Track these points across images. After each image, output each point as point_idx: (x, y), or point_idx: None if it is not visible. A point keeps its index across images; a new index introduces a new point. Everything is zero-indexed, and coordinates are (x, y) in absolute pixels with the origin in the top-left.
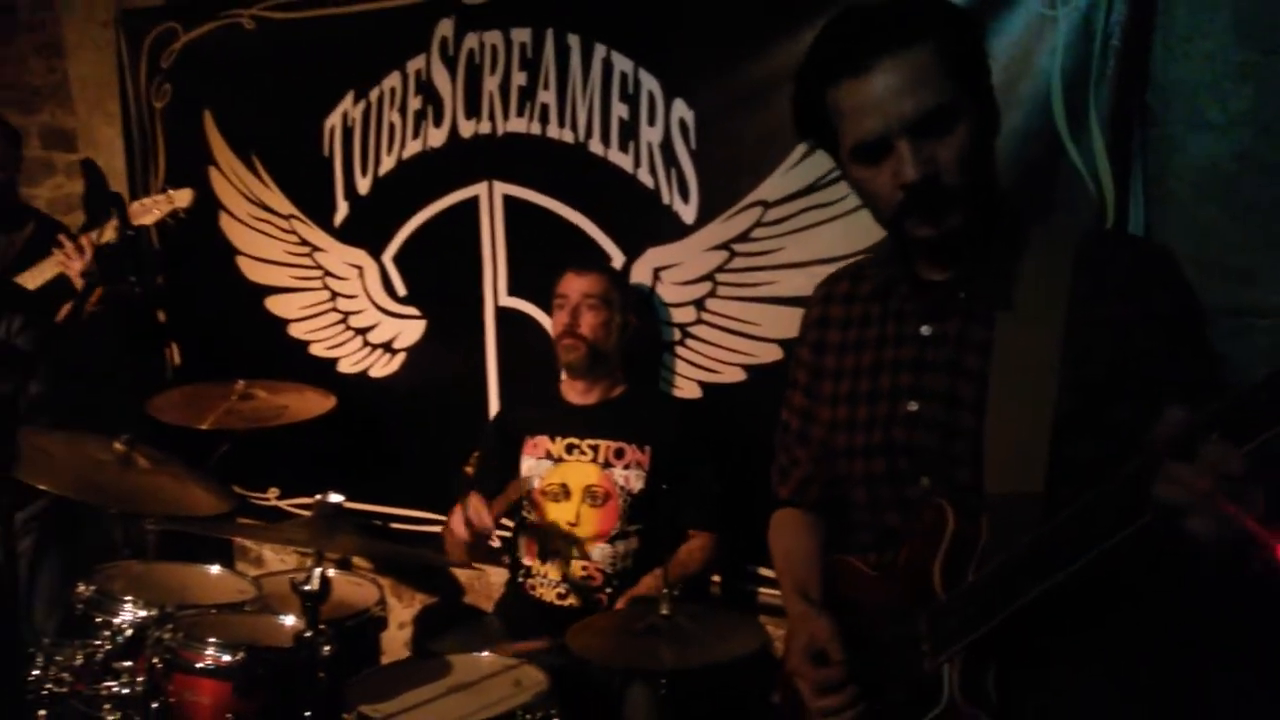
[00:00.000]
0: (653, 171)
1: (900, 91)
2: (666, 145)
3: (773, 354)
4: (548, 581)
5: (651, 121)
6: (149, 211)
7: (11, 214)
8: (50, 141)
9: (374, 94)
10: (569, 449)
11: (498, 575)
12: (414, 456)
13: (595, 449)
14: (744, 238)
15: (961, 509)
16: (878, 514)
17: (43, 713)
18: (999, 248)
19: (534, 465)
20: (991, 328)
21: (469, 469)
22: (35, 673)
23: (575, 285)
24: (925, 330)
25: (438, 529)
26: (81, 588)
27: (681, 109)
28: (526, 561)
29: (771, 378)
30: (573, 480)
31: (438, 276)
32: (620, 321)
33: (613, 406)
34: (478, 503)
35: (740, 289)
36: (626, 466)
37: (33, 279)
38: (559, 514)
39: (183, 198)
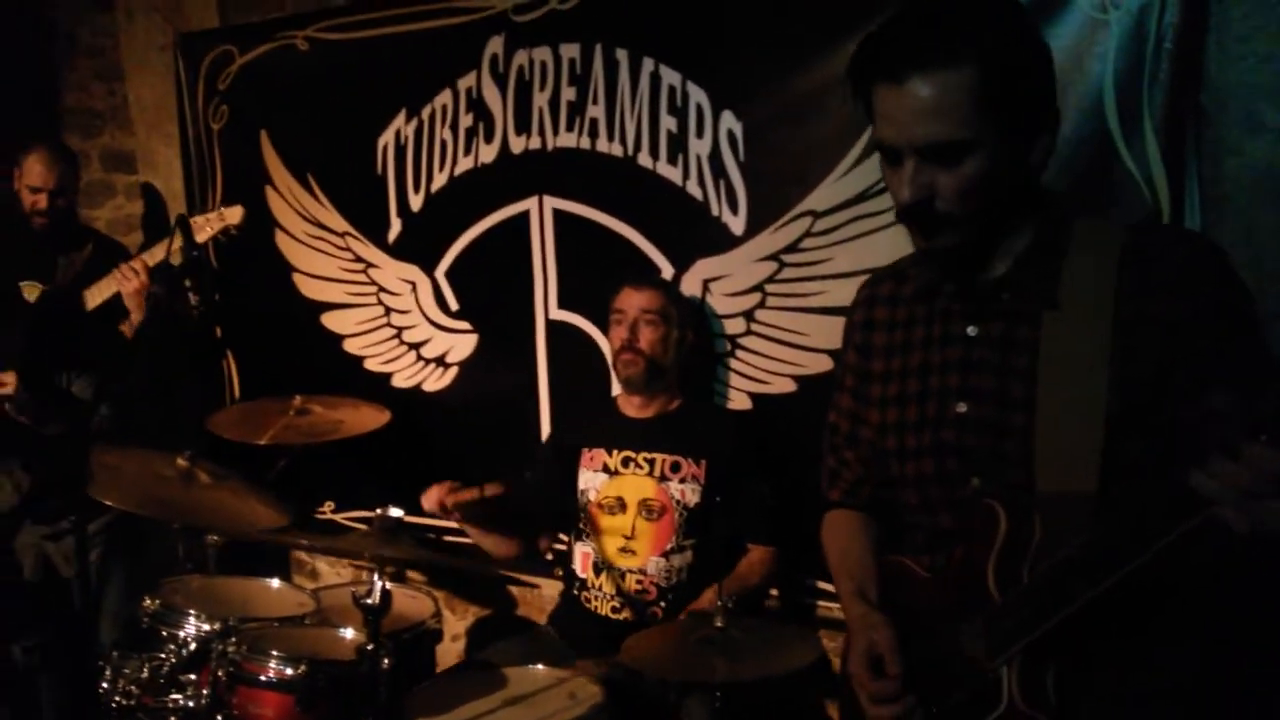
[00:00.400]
0: (701, 183)
1: (920, 114)
2: (715, 157)
3: (823, 364)
4: (602, 595)
5: (700, 134)
6: (202, 229)
7: (72, 235)
8: (110, 164)
9: (426, 112)
10: (625, 462)
11: (551, 588)
12: (467, 469)
13: (651, 462)
14: (793, 248)
15: (1013, 509)
16: (929, 515)
17: None
18: (1043, 247)
19: (590, 478)
20: (1038, 327)
21: (527, 475)
22: (104, 685)
23: (633, 300)
24: (971, 331)
25: None
26: (147, 601)
27: (730, 120)
28: (581, 574)
29: (822, 388)
30: (629, 494)
31: (489, 291)
32: (678, 336)
33: (669, 420)
34: (437, 490)
35: (790, 299)
36: (683, 480)
37: (91, 298)
38: (614, 527)
39: (234, 215)
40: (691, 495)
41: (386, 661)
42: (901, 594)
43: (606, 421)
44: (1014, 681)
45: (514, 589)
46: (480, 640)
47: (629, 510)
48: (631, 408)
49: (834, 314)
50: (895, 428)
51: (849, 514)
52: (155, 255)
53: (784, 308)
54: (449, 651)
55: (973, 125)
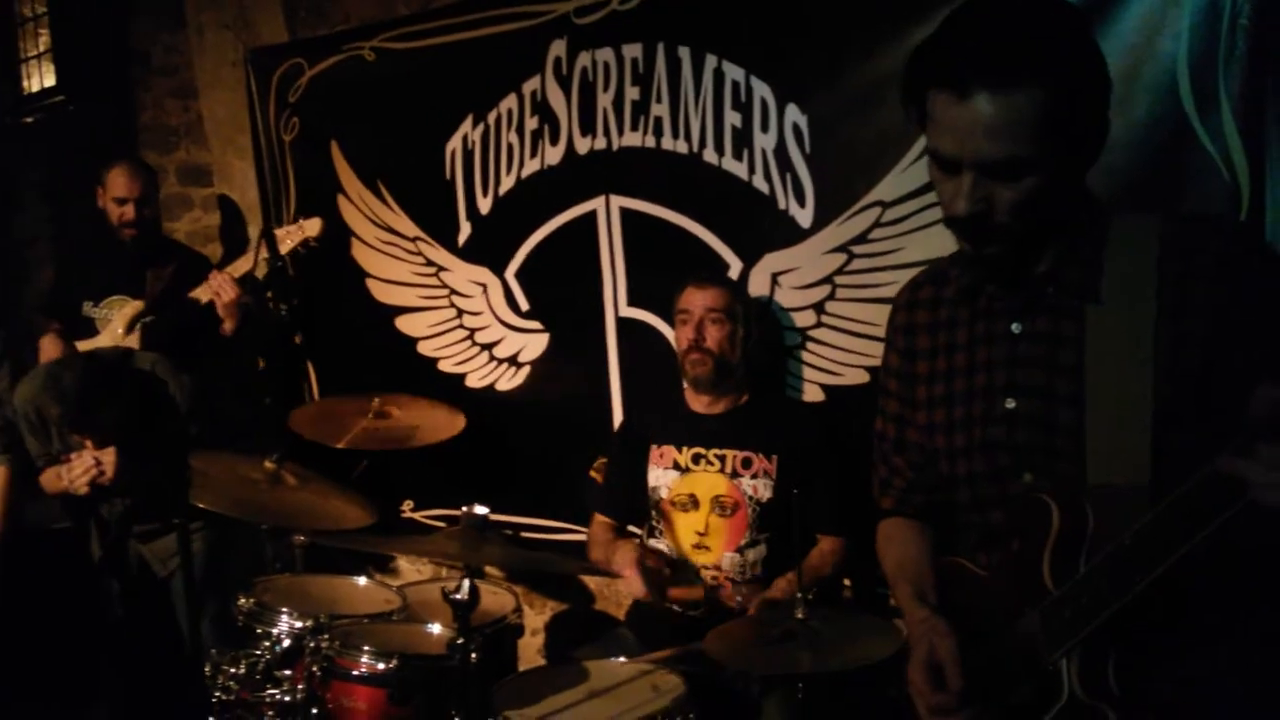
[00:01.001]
0: (768, 177)
1: (984, 130)
2: (781, 151)
3: None
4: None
5: (765, 128)
6: (283, 241)
7: (159, 248)
8: (187, 178)
9: (492, 116)
10: (696, 459)
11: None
12: (541, 466)
13: (722, 459)
14: (862, 239)
15: (1066, 503)
16: (982, 513)
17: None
18: (1085, 242)
19: (661, 475)
20: (1082, 321)
21: (595, 474)
22: (205, 681)
23: (697, 300)
24: (1016, 328)
25: (565, 537)
26: (242, 600)
27: (794, 114)
28: None
29: None
30: (701, 490)
31: (559, 290)
32: (744, 333)
33: (739, 416)
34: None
35: (860, 290)
36: (754, 476)
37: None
38: (687, 524)
39: (313, 227)
40: (764, 490)
41: (474, 655)
42: (959, 594)
43: (676, 418)
44: (1074, 673)
45: (591, 583)
46: (558, 635)
47: (702, 507)
48: (700, 404)
49: None
50: (944, 427)
51: (904, 522)
52: (240, 267)
53: (854, 299)
54: (528, 646)
55: (1035, 144)
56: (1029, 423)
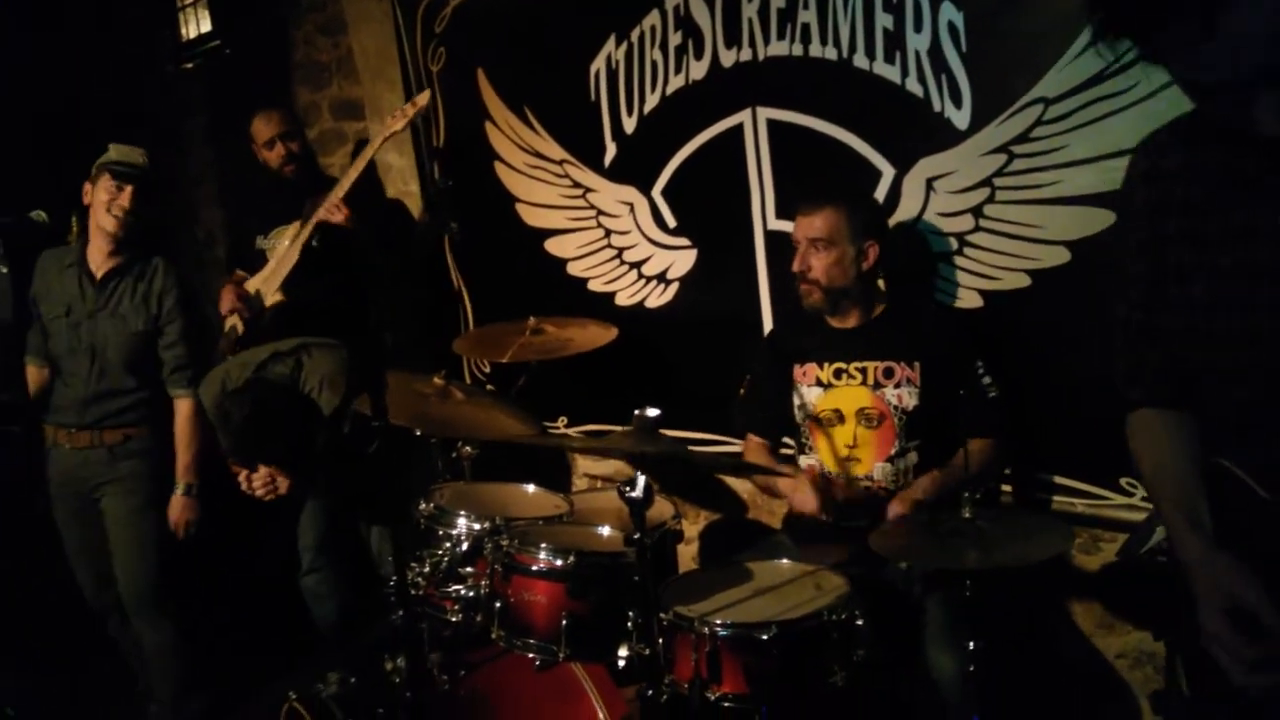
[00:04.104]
0: (922, 80)
1: None
2: (935, 51)
3: (1059, 257)
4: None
5: (918, 28)
6: (398, 121)
7: (318, 179)
8: (340, 113)
9: (635, 34)
10: (837, 374)
11: None
12: (692, 381)
13: (863, 371)
14: (1023, 138)
15: None
16: (1261, 413)
17: (400, 613)
18: None
19: (806, 393)
20: None
21: (743, 392)
22: (393, 580)
23: (801, 228)
24: None
25: (719, 449)
26: (422, 505)
27: (950, 12)
28: None
29: (1058, 281)
30: (845, 405)
31: (706, 206)
32: (854, 253)
33: (875, 327)
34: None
35: (1021, 192)
36: (898, 385)
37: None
38: (837, 438)
39: (423, 99)
40: (909, 398)
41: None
42: (1235, 515)
43: (814, 335)
44: None
45: (744, 494)
46: (713, 543)
47: (848, 421)
48: (835, 320)
49: (1071, 204)
50: (1207, 310)
51: (1157, 415)
52: (342, 187)
53: (1016, 200)
54: (684, 554)
55: None
56: None
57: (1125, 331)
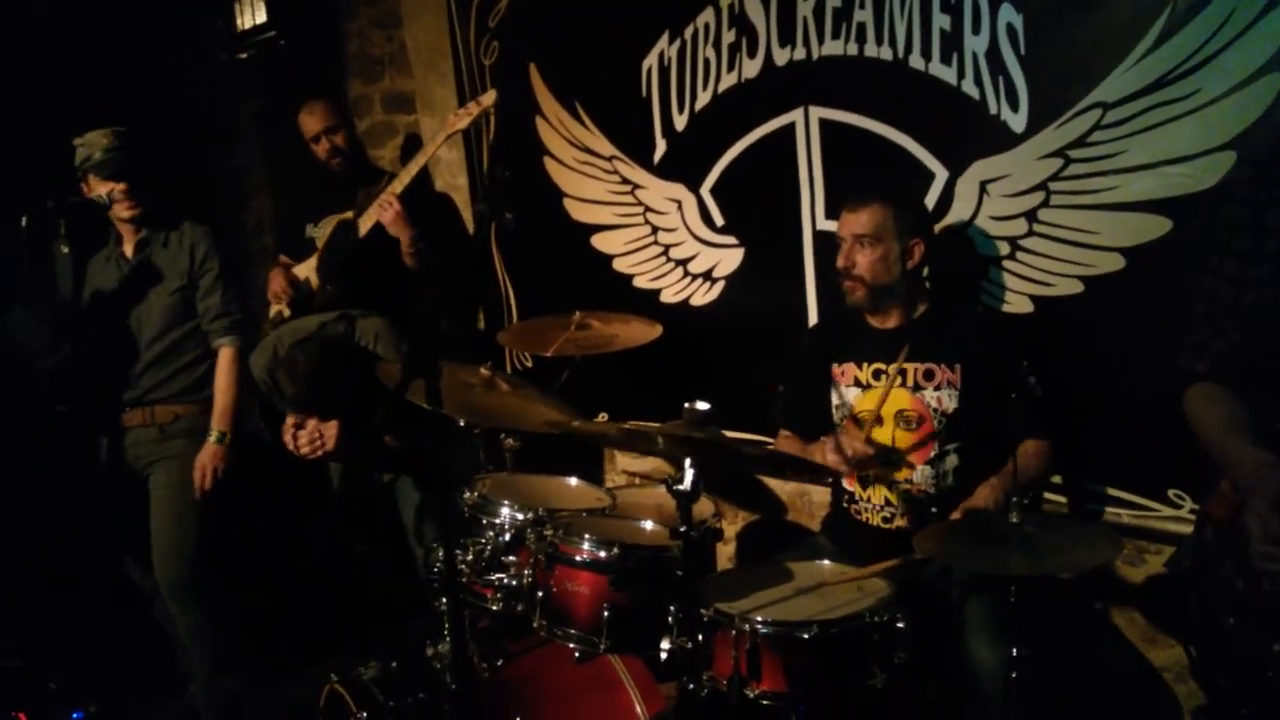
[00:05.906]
0: (978, 82)
1: None
2: (993, 53)
3: (1114, 263)
4: (871, 507)
5: (976, 30)
6: (461, 119)
7: (368, 172)
8: (391, 106)
9: (688, 31)
10: (876, 375)
11: (820, 494)
12: (735, 380)
13: (903, 373)
14: (1080, 143)
15: None
16: None
17: (444, 599)
18: None
19: (844, 393)
20: None
21: (780, 386)
22: (437, 567)
23: (846, 225)
24: None
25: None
26: (466, 494)
27: (1009, 14)
28: (848, 488)
29: (1112, 288)
30: (885, 406)
31: (755, 205)
32: (899, 250)
33: (916, 328)
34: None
35: (1077, 197)
36: (937, 387)
37: (362, 226)
38: (875, 440)
39: (488, 98)
40: (949, 401)
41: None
42: None
43: (854, 335)
44: None
45: (783, 494)
46: (751, 544)
47: (886, 423)
48: (875, 320)
49: (1128, 210)
50: None
51: (1222, 388)
52: (401, 182)
53: (1071, 205)
54: (722, 554)
55: None
56: None
57: (1209, 306)
